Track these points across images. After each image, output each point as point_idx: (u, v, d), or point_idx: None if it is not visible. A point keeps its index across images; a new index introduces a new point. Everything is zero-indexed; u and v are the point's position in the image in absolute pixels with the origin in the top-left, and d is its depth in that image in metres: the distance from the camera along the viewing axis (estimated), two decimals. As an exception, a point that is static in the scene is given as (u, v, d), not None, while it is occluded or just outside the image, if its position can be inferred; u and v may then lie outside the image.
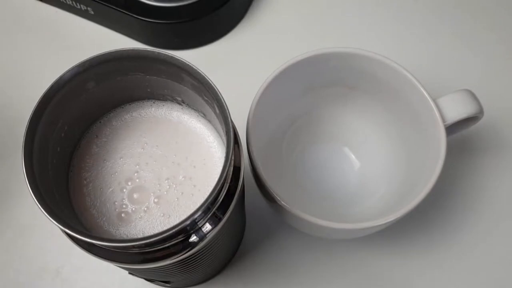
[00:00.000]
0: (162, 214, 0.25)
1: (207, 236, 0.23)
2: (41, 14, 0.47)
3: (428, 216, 0.38)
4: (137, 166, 0.27)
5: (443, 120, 0.31)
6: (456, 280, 0.36)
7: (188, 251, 0.23)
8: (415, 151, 0.34)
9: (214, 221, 0.23)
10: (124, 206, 0.26)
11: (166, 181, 0.26)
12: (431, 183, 0.30)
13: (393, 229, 0.37)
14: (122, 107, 0.28)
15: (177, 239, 0.22)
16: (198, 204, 0.21)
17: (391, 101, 0.35)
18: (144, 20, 0.42)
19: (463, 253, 0.37)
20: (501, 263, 0.37)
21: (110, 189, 0.26)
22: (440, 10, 0.46)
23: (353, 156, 0.38)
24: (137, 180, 0.26)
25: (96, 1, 0.43)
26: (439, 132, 0.31)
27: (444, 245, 0.37)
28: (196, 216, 0.21)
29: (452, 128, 0.33)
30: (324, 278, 0.36)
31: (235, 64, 0.44)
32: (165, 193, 0.26)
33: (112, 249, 0.22)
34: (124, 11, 0.42)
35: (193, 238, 0.23)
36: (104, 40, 0.45)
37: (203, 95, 0.25)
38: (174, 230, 0.20)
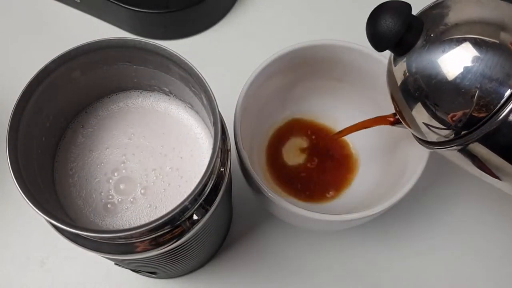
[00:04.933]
0: (148, 205, 0.25)
1: (193, 227, 0.23)
2: (26, 2, 0.46)
3: (413, 207, 0.38)
4: (124, 157, 0.26)
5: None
6: (440, 269, 0.37)
7: (174, 242, 0.23)
8: (402, 144, 0.34)
9: (201, 212, 0.23)
10: (110, 197, 0.25)
11: (153, 172, 0.26)
12: (417, 176, 0.30)
13: (379, 221, 0.37)
14: (109, 97, 0.28)
15: (163, 230, 0.22)
16: (185, 195, 0.21)
17: (378, 94, 0.35)
18: (132, 9, 0.41)
19: (447, 243, 0.38)
20: (483, 253, 0.37)
21: (96, 180, 0.26)
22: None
23: (340, 149, 0.39)
24: (124, 171, 0.26)
25: (82, -11, 0.42)
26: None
27: (428, 236, 0.38)
28: (182, 207, 0.21)
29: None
30: (310, 269, 0.37)
31: (223, 55, 0.44)
32: (152, 184, 0.26)
33: (98, 240, 0.22)
34: (111, 0, 0.41)
35: (180, 229, 0.23)
36: (90, 29, 0.45)
37: (191, 86, 0.24)
38: (160, 221, 0.20)
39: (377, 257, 0.37)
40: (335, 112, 0.39)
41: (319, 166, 0.38)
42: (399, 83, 0.23)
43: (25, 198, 0.20)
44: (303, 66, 0.35)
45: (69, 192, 0.26)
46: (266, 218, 0.38)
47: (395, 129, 0.35)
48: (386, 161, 0.36)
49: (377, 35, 0.23)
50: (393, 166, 0.35)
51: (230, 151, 0.25)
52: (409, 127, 0.25)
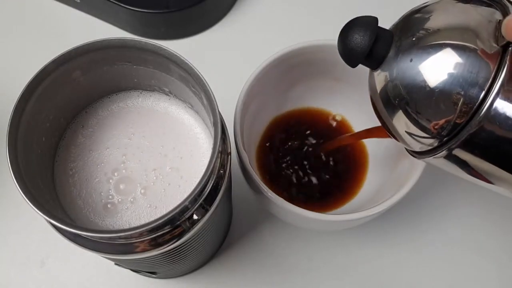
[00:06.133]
0: (148, 205, 0.25)
1: (193, 227, 0.23)
2: (26, 2, 0.46)
3: (413, 208, 0.38)
4: (124, 157, 0.26)
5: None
6: (439, 269, 0.37)
7: (174, 242, 0.23)
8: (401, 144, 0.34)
9: (201, 212, 0.23)
10: (110, 197, 0.25)
11: (153, 172, 0.26)
12: (416, 176, 0.30)
13: (379, 221, 0.37)
14: (109, 97, 0.28)
15: (163, 230, 0.22)
16: (185, 195, 0.21)
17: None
18: (132, 9, 0.41)
19: (447, 243, 0.38)
20: (483, 253, 0.37)
21: (96, 180, 0.26)
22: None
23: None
24: (124, 171, 0.26)
25: (82, -11, 0.42)
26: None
27: (428, 236, 0.38)
28: (182, 207, 0.21)
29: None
30: (309, 269, 0.37)
31: (223, 55, 0.44)
32: (152, 184, 0.26)
33: (98, 240, 0.22)
34: (111, 0, 0.41)
35: (180, 229, 0.23)
36: (91, 29, 0.45)
37: (191, 86, 0.24)
38: (160, 221, 0.20)
39: (377, 257, 0.37)
40: (334, 112, 0.39)
41: (318, 175, 0.37)
42: (379, 95, 0.24)
43: (25, 198, 0.20)
44: (302, 66, 0.35)
45: (69, 192, 0.26)
46: (266, 218, 0.38)
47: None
48: (391, 166, 0.36)
49: (347, 52, 0.23)
50: (397, 169, 0.35)
51: (230, 151, 0.25)
52: (396, 139, 0.25)
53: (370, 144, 0.38)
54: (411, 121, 0.22)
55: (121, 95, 0.28)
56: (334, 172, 0.37)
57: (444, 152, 0.22)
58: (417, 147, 0.24)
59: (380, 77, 0.23)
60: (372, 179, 0.37)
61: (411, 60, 0.22)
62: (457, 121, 0.21)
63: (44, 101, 0.24)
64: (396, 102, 0.23)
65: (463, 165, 0.22)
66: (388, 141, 0.36)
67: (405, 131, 0.23)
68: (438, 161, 0.23)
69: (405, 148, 0.26)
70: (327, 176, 0.37)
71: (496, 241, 0.38)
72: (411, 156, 0.32)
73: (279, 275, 0.37)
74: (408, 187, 0.30)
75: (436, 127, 0.22)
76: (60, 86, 0.24)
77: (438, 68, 0.21)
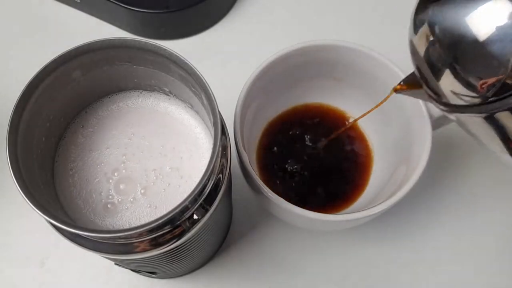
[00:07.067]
0: (148, 205, 0.25)
1: (193, 227, 0.23)
2: (26, 2, 0.46)
3: (413, 208, 0.38)
4: (124, 157, 0.26)
5: (429, 114, 0.31)
6: (439, 269, 0.37)
7: (174, 242, 0.23)
8: (401, 144, 0.34)
9: (201, 212, 0.23)
10: (110, 197, 0.25)
11: (153, 172, 0.26)
12: (416, 176, 0.30)
13: (379, 221, 0.37)
14: (109, 97, 0.28)
15: (163, 230, 0.22)
16: (185, 195, 0.21)
17: (377, 94, 0.35)
18: (132, 9, 0.41)
19: (447, 243, 0.38)
20: (483, 253, 0.37)
21: (96, 180, 0.26)
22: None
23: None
24: (124, 171, 0.26)
25: (82, -11, 0.42)
26: (425, 125, 0.31)
27: (428, 236, 0.38)
28: (182, 207, 0.21)
29: (438, 122, 0.33)
30: (309, 269, 0.37)
31: (223, 55, 0.44)
32: (152, 184, 0.26)
33: (98, 240, 0.22)
34: (111, 0, 0.41)
35: (180, 229, 0.23)
36: (91, 29, 0.45)
37: (191, 86, 0.25)
38: (160, 221, 0.20)
39: (377, 257, 0.37)
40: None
41: (320, 175, 0.37)
42: (423, 51, 0.21)
43: (25, 198, 0.20)
44: (302, 66, 0.35)
45: (69, 192, 0.26)
46: (266, 218, 0.38)
47: (395, 130, 0.35)
48: (392, 167, 0.35)
49: None
50: (397, 170, 0.35)
51: (230, 151, 0.25)
52: (434, 92, 0.22)
53: (374, 146, 0.38)
54: (456, 78, 0.20)
55: (121, 95, 0.28)
56: (337, 173, 0.37)
57: (486, 113, 0.20)
58: (458, 102, 0.21)
59: (426, 29, 0.21)
60: (373, 182, 0.37)
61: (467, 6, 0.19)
62: (507, 81, 0.18)
63: (44, 101, 0.24)
64: (441, 56, 0.20)
65: (500, 130, 0.20)
66: (390, 142, 0.36)
67: (450, 90, 0.21)
68: (473, 119, 0.21)
69: (432, 99, 0.23)
70: (329, 177, 0.37)
71: (497, 239, 0.38)
72: (411, 158, 0.32)
73: (279, 275, 0.37)
74: (407, 187, 0.30)
75: (483, 85, 0.19)
76: (60, 86, 0.24)
77: (497, 18, 0.18)
